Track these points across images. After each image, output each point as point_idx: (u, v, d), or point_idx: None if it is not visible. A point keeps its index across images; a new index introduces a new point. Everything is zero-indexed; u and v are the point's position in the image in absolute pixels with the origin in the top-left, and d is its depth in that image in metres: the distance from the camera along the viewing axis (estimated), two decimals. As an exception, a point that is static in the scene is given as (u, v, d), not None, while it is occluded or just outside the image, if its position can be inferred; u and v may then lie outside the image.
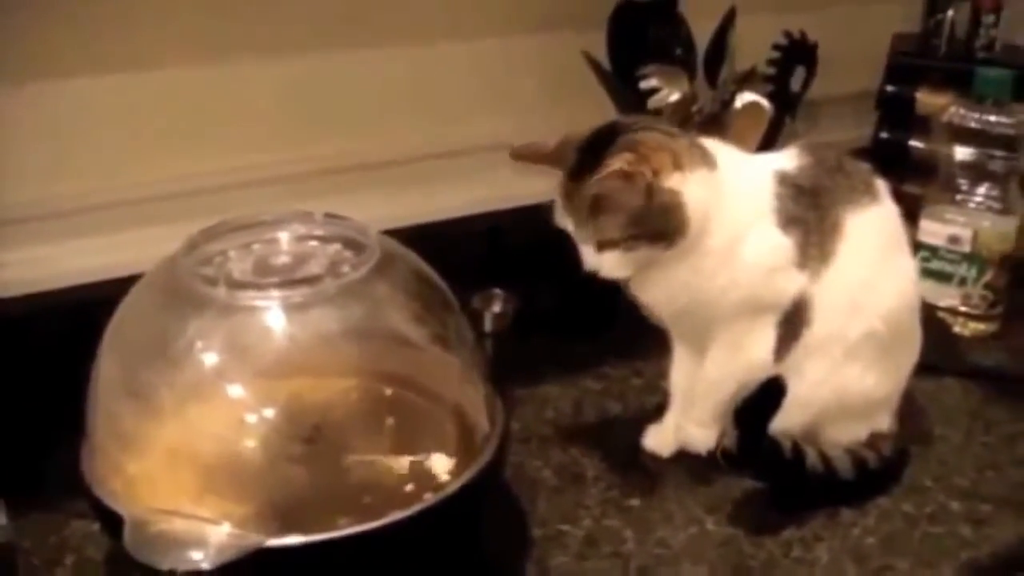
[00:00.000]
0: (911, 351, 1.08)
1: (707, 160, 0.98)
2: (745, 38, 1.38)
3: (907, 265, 1.07)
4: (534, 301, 1.38)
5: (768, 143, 1.34)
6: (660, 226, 0.95)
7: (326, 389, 0.95)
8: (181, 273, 0.91)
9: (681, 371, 1.13)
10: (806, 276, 1.00)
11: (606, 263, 0.98)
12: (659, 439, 1.13)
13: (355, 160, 1.34)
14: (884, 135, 1.59)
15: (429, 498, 0.86)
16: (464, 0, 1.37)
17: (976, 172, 1.33)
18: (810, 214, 1.00)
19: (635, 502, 1.05)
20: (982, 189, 1.33)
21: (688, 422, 1.10)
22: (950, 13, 1.58)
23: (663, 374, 1.23)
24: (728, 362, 1.05)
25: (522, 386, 1.23)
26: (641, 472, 1.09)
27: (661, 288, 1.02)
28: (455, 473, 0.90)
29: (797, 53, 1.39)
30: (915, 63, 1.56)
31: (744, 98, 1.32)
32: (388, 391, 0.98)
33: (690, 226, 0.96)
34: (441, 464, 0.92)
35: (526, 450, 1.12)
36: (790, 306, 1.01)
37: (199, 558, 0.78)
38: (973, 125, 1.32)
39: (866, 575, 0.96)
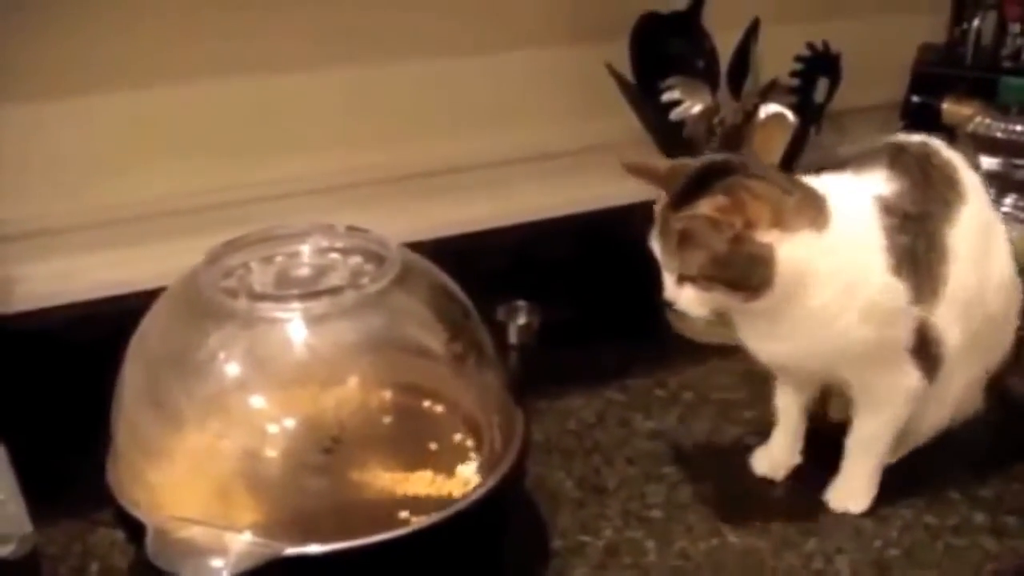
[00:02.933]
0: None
1: (817, 220, 0.93)
2: (769, 49, 1.37)
3: (1001, 239, 1.06)
4: (559, 313, 1.39)
5: (792, 155, 1.34)
6: (742, 276, 0.92)
7: (346, 400, 0.95)
8: (203, 285, 0.92)
9: (786, 396, 1.11)
10: (920, 309, 0.98)
11: (683, 297, 0.96)
12: (769, 462, 1.12)
13: (379, 173, 1.35)
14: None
15: (449, 508, 0.86)
16: (489, 14, 1.38)
17: (1002, 182, 1.32)
18: (919, 243, 0.97)
19: (656, 513, 1.05)
20: (1009, 200, 1.32)
21: (849, 489, 1.06)
22: (976, 23, 1.57)
23: (686, 385, 1.24)
24: (879, 423, 1.04)
25: (546, 397, 1.23)
26: (663, 484, 1.09)
27: (770, 341, 1.00)
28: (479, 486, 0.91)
29: (820, 64, 1.39)
30: (941, 73, 1.55)
31: (768, 109, 1.32)
32: (408, 402, 0.99)
33: (776, 284, 0.92)
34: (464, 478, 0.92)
35: (548, 461, 1.13)
36: (914, 338, 0.99)
37: (219, 566, 0.79)
38: (999, 135, 1.32)
39: (887, 587, 0.96)
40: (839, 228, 0.94)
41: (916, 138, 1.05)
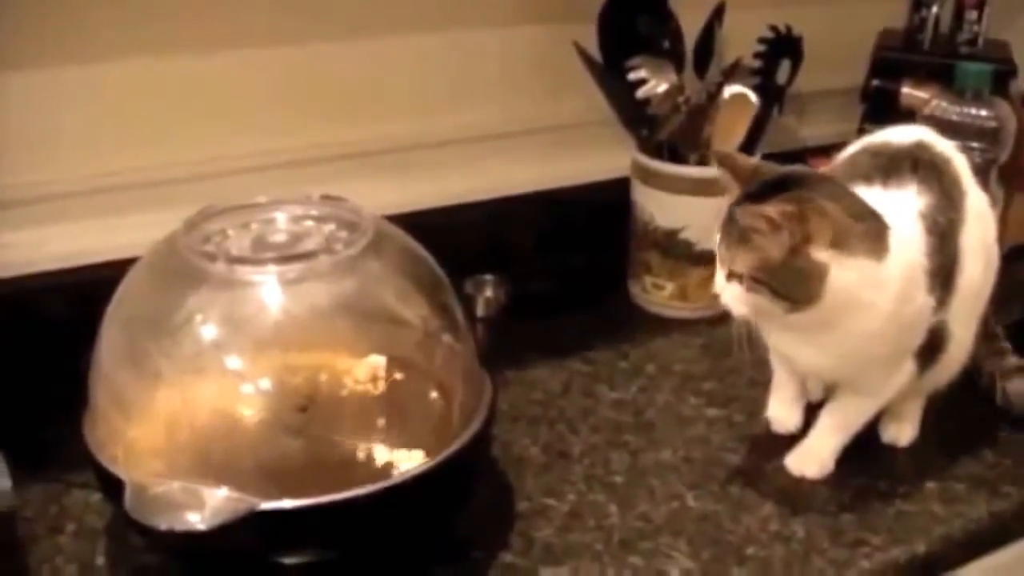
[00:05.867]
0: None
1: (877, 250, 0.94)
2: (734, 31, 1.40)
3: (988, 213, 1.08)
4: (527, 287, 1.41)
5: (754, 134, 1.37)
6: (789, 287, 0.93)
7: (319, 362, 0.98)
8: (181, 249, 0.94)
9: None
10: (939, 316, 1.01)
11: (728, 293, 0.98)
12: (782, 419, 1.16)
13: (349, 149, 1.36)
14: (869, 128, 1.61)
15: (418, 467, 0.89)
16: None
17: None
18: (947, 257, 1.01)
19: (619, 479, 1.08)
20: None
21: (812, 456, 1.09)
22: (935, 9, 1.61)
23: (649, 357, 1.28)
24: (861, 407, 1.07)
25: (512, 368, 1.26)
26: (625, 451, 1.12)
27: (800, 351, 1.03)
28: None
29: (782, 47, 1.42)
30: (900, 58, 1.59)
31: (731, 90, 1.35)
32: (379, 365, 1.01)
33: (822, 303, 0.93)
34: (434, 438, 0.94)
35: (515, 429, 1.15)
36: (926, 340, 1.02)
37: (195, 520, 0.81)
38: (955, 118, 1.35)
39: (841, 549, 0.98)
40: (894, 259, 0.95)
41: (912, 137, 1.07)
